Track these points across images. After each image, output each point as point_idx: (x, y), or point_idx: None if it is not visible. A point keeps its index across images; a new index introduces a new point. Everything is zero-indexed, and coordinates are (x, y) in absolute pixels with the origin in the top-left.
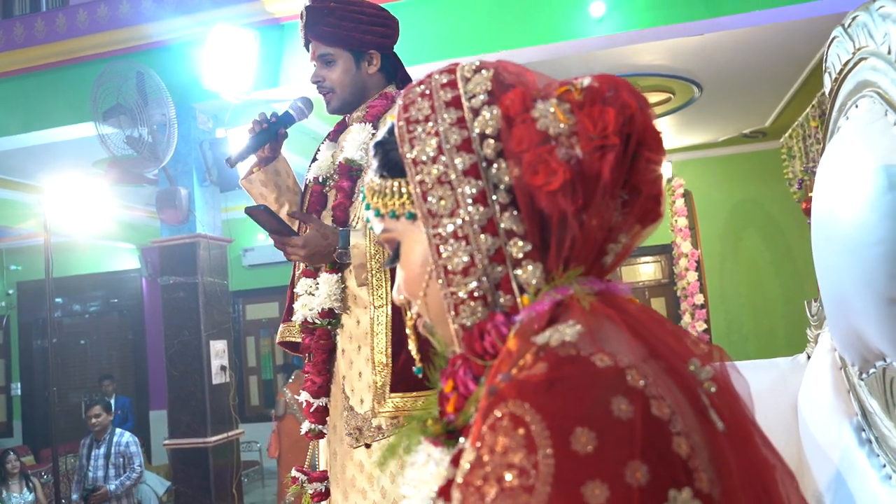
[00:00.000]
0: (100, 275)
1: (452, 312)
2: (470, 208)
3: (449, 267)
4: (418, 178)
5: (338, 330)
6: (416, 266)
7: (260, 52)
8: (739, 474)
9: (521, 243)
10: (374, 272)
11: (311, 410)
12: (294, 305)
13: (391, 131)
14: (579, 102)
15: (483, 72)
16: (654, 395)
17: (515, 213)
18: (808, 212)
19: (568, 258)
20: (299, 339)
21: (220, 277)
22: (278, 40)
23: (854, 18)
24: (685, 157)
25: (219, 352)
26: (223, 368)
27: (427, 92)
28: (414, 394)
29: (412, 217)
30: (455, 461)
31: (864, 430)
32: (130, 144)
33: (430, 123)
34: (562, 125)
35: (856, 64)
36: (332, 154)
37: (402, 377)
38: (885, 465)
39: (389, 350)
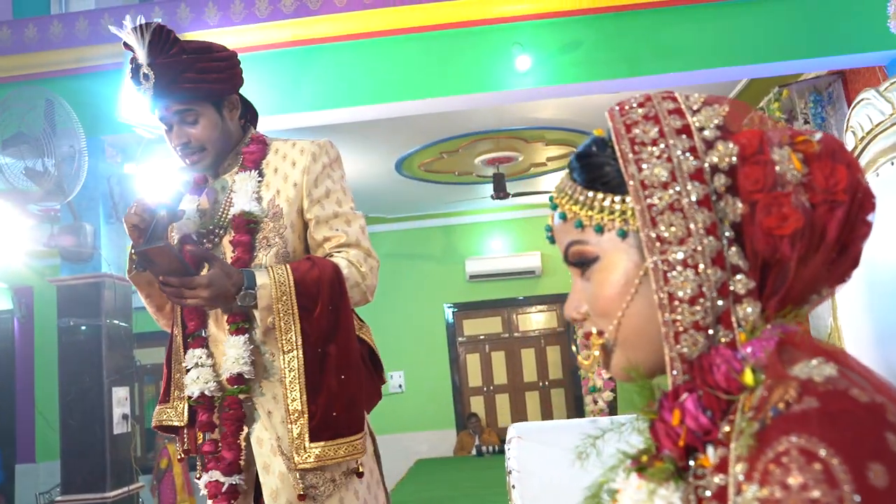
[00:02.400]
0: None
1: (672, 341)
2: (704, 239)
3: (677, 294)
4: (648, 201)
5: (253, 397)
6: (616, 285)
7: None
8: None
9: (744, 280)
10: (281, 315)
11: (223, 491)
12: (185, 380)
13: (598, 145)
14: (815, 154)
15: (715, 106)
16: None
17: (739, 249)
18: None
19: (781, 301)
20: (176, 423)
21: (125, 320)
22: None
23: (892, 83)
24: None
25: (121, 399)
26: (125, 417)
27: (652, 115)
28: (335, 441)
29: (623, 235)
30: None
31: None
32: (31, 177)
33: (660, 147)
34: (797, 173)
35: (893, 125)
36: (198, 207)
37: (322, 425)
38: None
39: (304, 397)
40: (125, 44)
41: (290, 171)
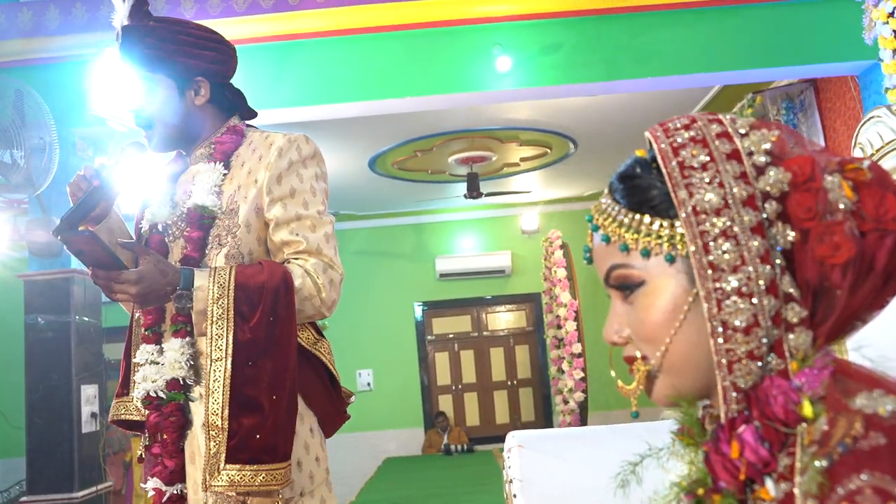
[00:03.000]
0: None
1: (726, 370)
2: (758, 266)
3: (731, 323)
4: (700, 227)
5: (191, 404)
6: (664, 311)
7: None
8: None
9: (797, 308)
10: (214, 319)
11: (164, 501)
12: (135, 378)
13: (641, 166)
14: (865, 182)
15: (764, 131)
16: None
17: (790, 277)
18: None
19: (831, 329)
20: (135, 417)
21: (94, 317)
22: None
23: None
24: (552, 209)
25: (90, 397)
26: (94, 415)
27: (699, 138)
28: (254, 466)
29: (671, 260)
30: None
31: None
32: None
33: (711, 172)
34: (848, 201)
35: None
36: (172, 197)
37: (241, 445)
38: None
39: (226, 412)
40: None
41: (255, 165)
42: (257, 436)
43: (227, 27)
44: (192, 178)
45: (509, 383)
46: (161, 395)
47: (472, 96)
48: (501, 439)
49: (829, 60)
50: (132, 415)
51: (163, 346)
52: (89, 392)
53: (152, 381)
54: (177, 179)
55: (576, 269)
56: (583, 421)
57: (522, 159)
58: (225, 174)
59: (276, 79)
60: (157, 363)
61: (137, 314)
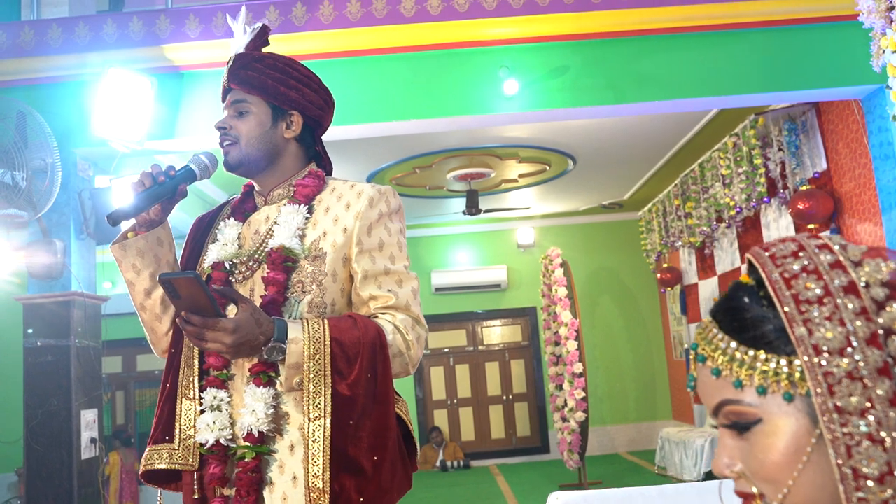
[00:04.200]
0: None
1: None
2: (889, 411)
3: (862, 471)
4: (824, 369)
5: (268, 458)
6: (785, 452)
7: (156, 101)
8: None
9: None
10: (311, 376)
11: None
12: (199, 423)
13: (749, 294)
14: None
15: (879, 261)
16: None
17: None
18: (663, 282)
19: None
20: (173, 466)
21: (94, 340)
22: (177, 89)
23: None
24: (548, 224)
25: (89, 422)
26: (93, 441)
27: (812, 268)
28: None
29: (790, 398)
30: None
31: None
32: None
33: (829, 308)
34: None
35: None
36: (239, 234)
37: None
38: None
39: (327, 474)
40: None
41: (342, 213)
42: (361, 500)
43: (227, 48)
44: (267, 217)
45: (504, 398)
46: (230, 444)
47: (477, 119)
48: (497, 455)
49: (833, 85)
50: (175, 463)
51: (232, 388)
52: (89, 417)
53: (220, 429)
54: (246, 217)
55: (576, 287)
56: (584, 439)
57: (521, 175)
58: (308, 218)
59: None
60: (224, 410)
61: (185, 354)
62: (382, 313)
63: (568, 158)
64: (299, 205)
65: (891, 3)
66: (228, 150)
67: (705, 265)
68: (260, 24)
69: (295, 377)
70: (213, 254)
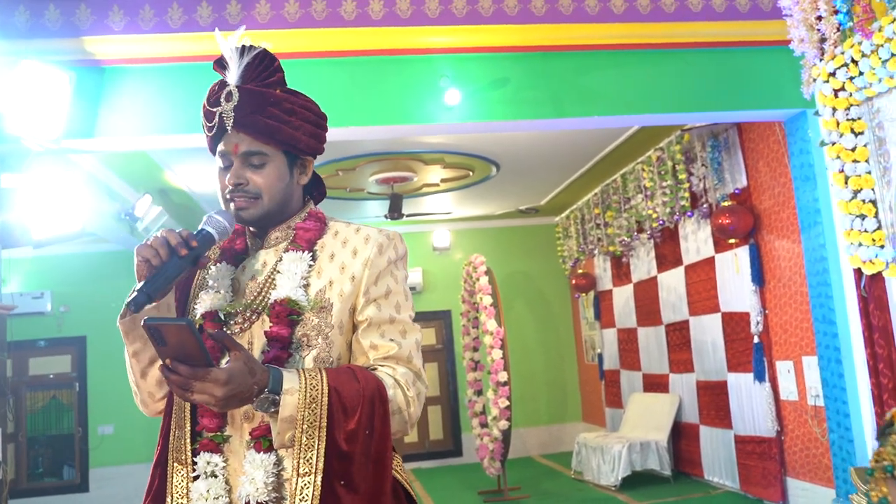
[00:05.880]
0: None
1: None
2: None
3: None
4: None
5: None
6: None
7: (74, 97)
8: None
9: None
10: (304, 427)
11: None
12: (192, 493)
13: None
14: None
15: None
16: None
17: None
18: (577, 287)
19: None
20: None
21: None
22: (97, 85)
23: None
24: (464, 227)
25: None
26: None
27: None
28: None
29: None
30: None
31: None
32: None
33: None
34: None
35: None
36: (233, 280)
37: None
38: None
39: None
40: (217, 62)
41: (349, 260)
42: None
43: (159, 43)
44: (265, 263)
45: None
46: None
47: (418, 128)
48: (410, 458)
49: (759, 107)
50: None
51: (226, 455)
52: None
53: (214, 499)
54: (238, 261)
55: (500, 295)
56: (506, 447)
57: (443, 180)
58: (311, 265)
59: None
60: (217, 476)
61: (175, 413)
62: (382, 364)
63: (492, 165)
64: (302, 251)
65: (823, 34)
66: (247, 207)
67: (621, 272)
68: (260, 49)
69: (287, 432)
70: (207, 302)
